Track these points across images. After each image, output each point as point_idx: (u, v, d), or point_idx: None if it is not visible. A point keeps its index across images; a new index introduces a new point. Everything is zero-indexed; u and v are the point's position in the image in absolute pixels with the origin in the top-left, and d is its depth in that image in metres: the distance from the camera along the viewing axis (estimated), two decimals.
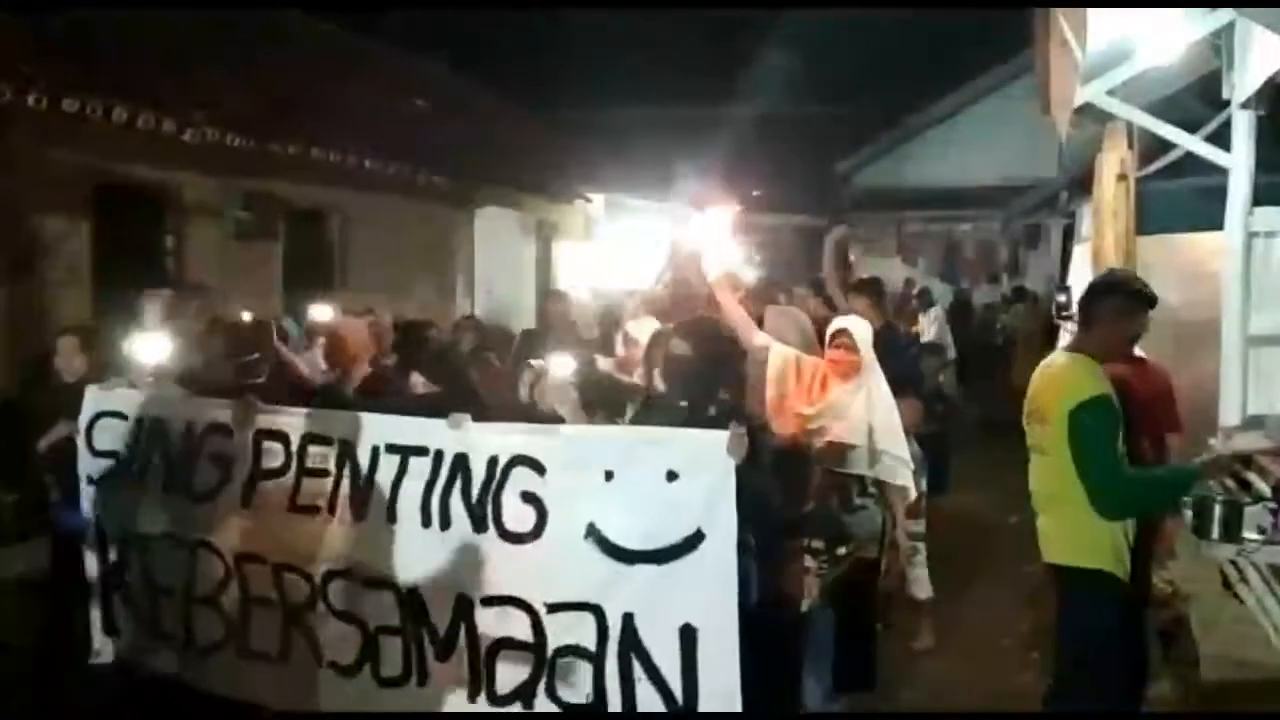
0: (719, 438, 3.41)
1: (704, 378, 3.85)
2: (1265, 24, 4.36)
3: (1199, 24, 5.45)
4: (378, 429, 3.89)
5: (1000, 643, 5.84)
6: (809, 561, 4.26)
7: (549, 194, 13.68)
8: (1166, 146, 6.81)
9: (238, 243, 8.37)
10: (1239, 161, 5.55)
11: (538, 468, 3.60)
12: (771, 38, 19.75)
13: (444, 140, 11.72)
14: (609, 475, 3.50)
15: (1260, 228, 5.67)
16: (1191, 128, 6.27)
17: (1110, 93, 5.97)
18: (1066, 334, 8.01)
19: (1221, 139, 5.83)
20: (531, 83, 17.44)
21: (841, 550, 4.32)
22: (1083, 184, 9.57)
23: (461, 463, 3.71)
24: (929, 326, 12.92)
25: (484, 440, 3.73)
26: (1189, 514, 4.15)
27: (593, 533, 3.49)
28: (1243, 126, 5.54)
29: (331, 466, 3.92)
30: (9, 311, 6.51)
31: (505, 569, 3.61)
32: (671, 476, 3.42)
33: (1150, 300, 3.77)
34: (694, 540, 3.37)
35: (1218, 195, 5.72)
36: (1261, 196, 5.63)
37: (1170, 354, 4.08)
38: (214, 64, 8.63)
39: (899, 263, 19.35)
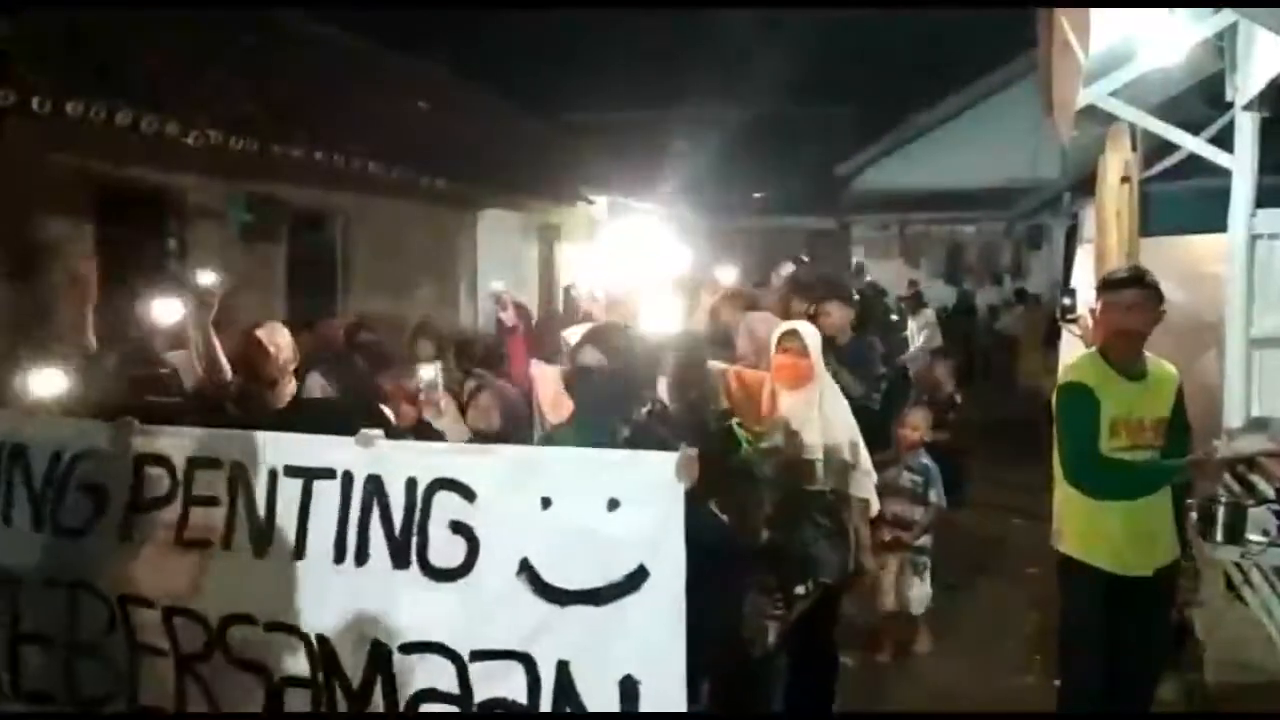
0: (666, 460, 3.02)
1: (617, 392, 3.38)
2: (1267, 26, 4.35)
3: (1202, 25, 5.44)
4: (274, 448, 3.39)
5: (1003, 645, 5.84)
6: (760, 601, 3.81)
7: (552, 196, 13.68)
8: (1169, 148, 6.80)
9: (241, 245, 8.37)
10: (1242, 163, 5.54)
11: (466, 493, 3.19)
12: (773, 39, 19.76)
13: (447, 143, 11.73)
14: (546, 502, 3.11)
15: (1263, 230, 5.66)
16: (1194, 129, 6.26)
17: (1113, 94, 5.96)
18: (1070, 336, 7.99)
19: (1225, 141, 5.82)
20: (534, 85, 17.46)
21: (799, 590, 3.82)
22: (1086, 186, 9.54)
23: (375, 487, 3.26)
24: (918, 332, 12.35)
25: (400, 460, 3.28)
26: (1193, 516, 4.15)
27: (526, 569, 3.10)
28: (1246, 128, 5.53)
29: (223, 493, 3.42)
30: (11, 316, 6.51)
31: (429, 611, 3.21)
32: (613, 505, 3.04)
33: (1108, 283, 3.89)
34: (637, 578, 3.00)
35: (1221, 197, 5.71)
36: (1265, 199, 5.62)
37: (1173, 356, 4.09)
38: (216, 67, 8.63)
39: (901, 264, 19.39)
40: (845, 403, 4.52)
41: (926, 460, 5.75)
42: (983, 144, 17.22)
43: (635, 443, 3.29)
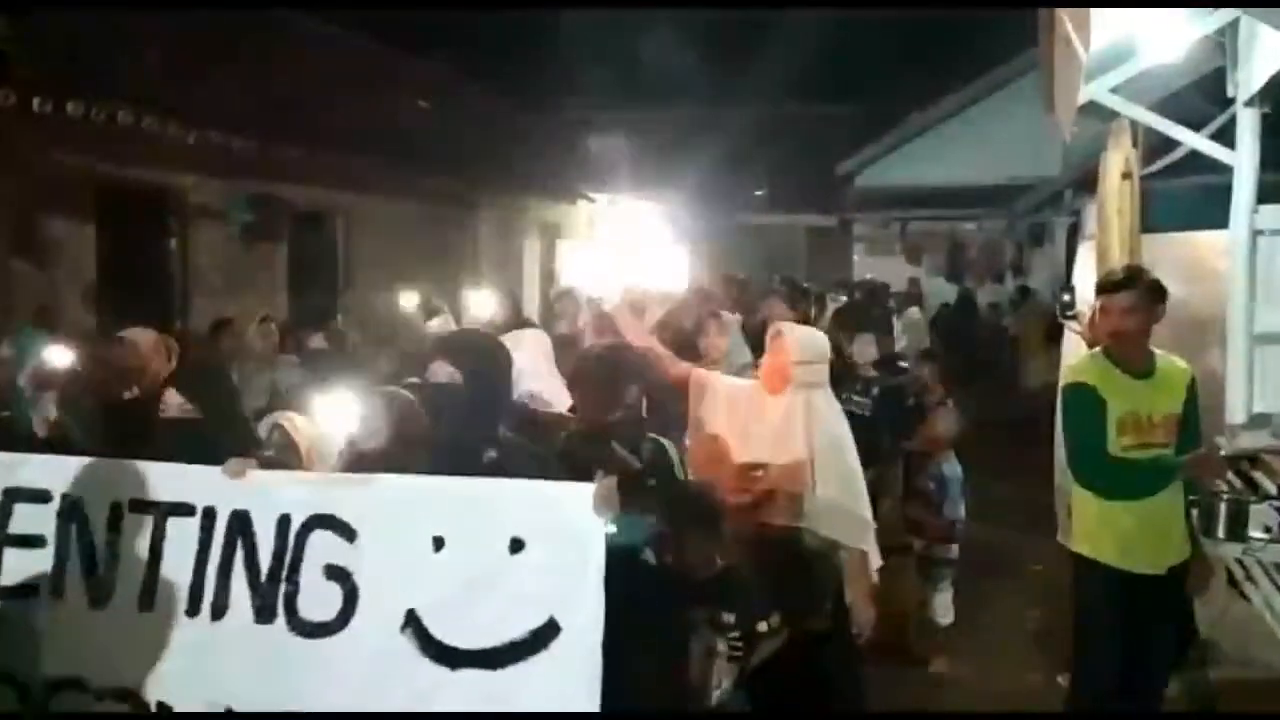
0: (580, 492, 2.61)
1: (476, 410, 2.92)
2: (1270, 23, 4.35)
3: (1203, 22, 5.43)
4: (119, 479, 2.90)
5: (1005, 643, 5.84)
6: (716, 642, 3.31)
7: (551, 194, 13.70)
8: (1171, 144, 6.78)
9: (242, 245, 8.39)
10: (1244, 159, 5.53)
11: (346, 532, 2.75)
12: (774, 37, 19.75)
13: (447, 141, 11.74)
14: (439, 543, 2.68)
15: (1265, 225, 5.64)
16: (1196, 125, 6.25)
17: (1114, 91, 5.94)
18: (1071, 334, 7.99)
19: (1226, 137, 5.81)
20: (534, 83, 17.46)
21: (762, 626, 3.34)
22: (1087, 182, 9.53)
23: (241, 525, 2.81)
24: (901, 333, 11.28)
25: (272, 493, 2.83)
26: (1194, 513, 4.15)
27: (412, 623, 2.67)
28: (1247, 124, 5.52)
29: (50, 531, 2.91)
30: (13, 315, 6.52)
31: (294, 674, 2.75)
32: (516, 546, 2.63)
33: (1102, 287, 3.92)
34: (544, 635, 2.59)
35: (1222, 193, 5.70)
36: (1266, 195, 5.61)
37: (1175, 352, 4.08)
38: (217, 66, 8.64)
39: (903, 262, 19.38)
40: (843, 429, 3.94)
41: (946, 468, 5.54)
42: (984, 141, 17.17)
43: (503, 466, 2.86)
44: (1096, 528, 3.86)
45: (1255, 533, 4.18)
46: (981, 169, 17.16)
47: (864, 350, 6.36)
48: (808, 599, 3.68)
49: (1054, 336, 10.83)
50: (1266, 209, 5.62)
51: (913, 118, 19.35)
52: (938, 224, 19.76)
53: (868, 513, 3.91)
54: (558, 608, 2.59)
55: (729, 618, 3.28)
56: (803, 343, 3.95)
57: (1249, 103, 5.46)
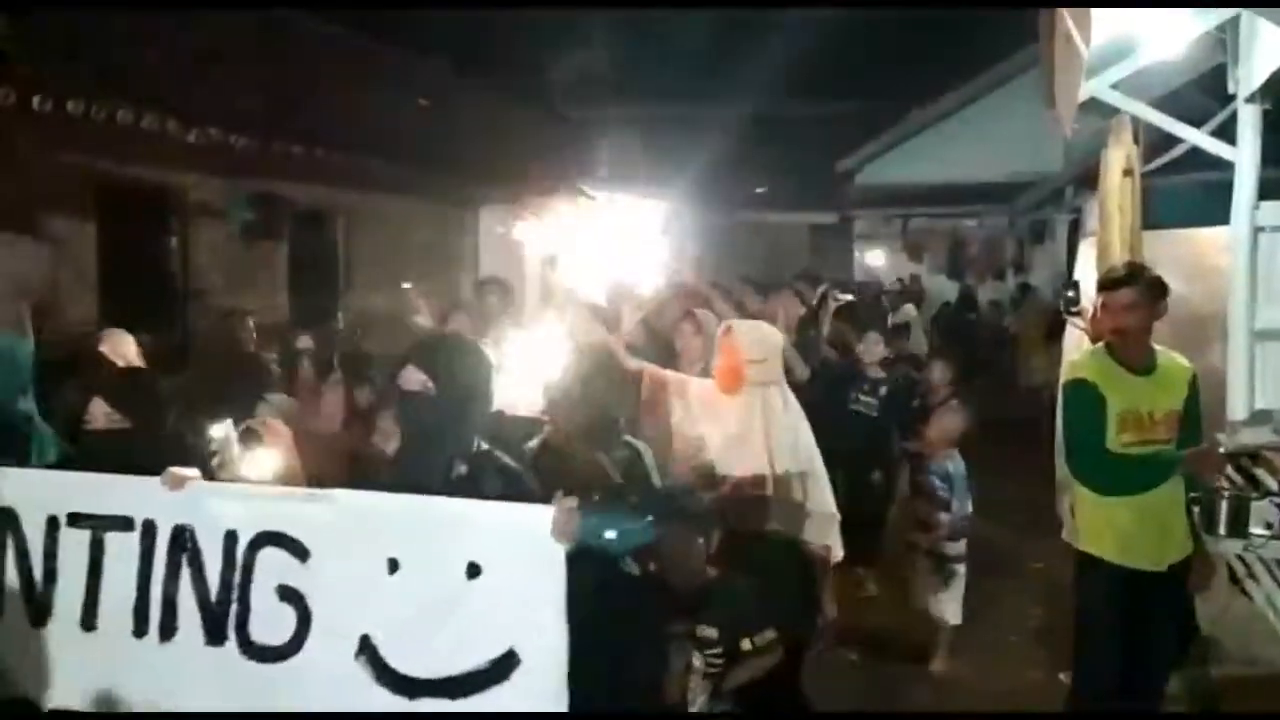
0: (538, 515, 2.49)
1: (449, 421, 2.74)
2: (1270, 19, 4.35)
3: (1203, 18, 5.43)
4: (54, 491, 2.81)
5: (1007, 641, 5.84)
6: (694, 658, 3.15)
7: (552, 192, 13.68)
8: (1172, 141, 6.78)
9: (243, 243, 8.38)
10: (1245, 156, 5.52)
11: (298, 551, 2.64)
12: (774, 34, 19.74)
13: (447, 139, 11.73)
14: (393, 565, 2.56)
15: (1266, 222, 5.64)
16: (1197, 122, 6.24)
17: (1114, 87, 5.94)
18: (1074, 330, 7.98)
19: (1227, 133, 5.81)
20: (534, 82, 17.45)
21: (746, 644, 3.17)
22: (1088, 179, 9.53)
23: (185, 541, 2.70)
24: None
25: (217, 507, 2.71)
26: (1195, 510, 4.14)
27: (367, 649, 2.57)
28: (1248, 121, 5.51)
29: None
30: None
31: (245, 699, 2.64)
32: (474, 571, 2.51)
33: (1103, 284, 3.96)
34: (504, 665, 2.47)
35: (1223, 190, 5.70)
36: (1267, 191, 5.61)
37: (1176, 348, 4.09)
38: (218, 65, 8.63)
39: (904, 259, 19.38)
40: (802, 425, 3.84)
41: (950, 464, 5.52)
42: (985, 138, 17.15)
43: (473, 481, 2.75)
44: (1097, 525, 3.86)
45: (1257, 529, 4.19)
46: (982, 166, 17.14)
47: (871, 350, 6.32)
48: (791, 611, 3.53)
49: (1055, 334, 10.83)
50: (1267, 205, 5.62)
51: (913, 115, 19.34)
52: (939, 221, 19.76)
53: (831, 506, 3.84)
54: (518, 637, 2.48)
55: (710, 632, 3.12)
56: (753, 340, 3.87)
57: (1250, 99, 5.45)
